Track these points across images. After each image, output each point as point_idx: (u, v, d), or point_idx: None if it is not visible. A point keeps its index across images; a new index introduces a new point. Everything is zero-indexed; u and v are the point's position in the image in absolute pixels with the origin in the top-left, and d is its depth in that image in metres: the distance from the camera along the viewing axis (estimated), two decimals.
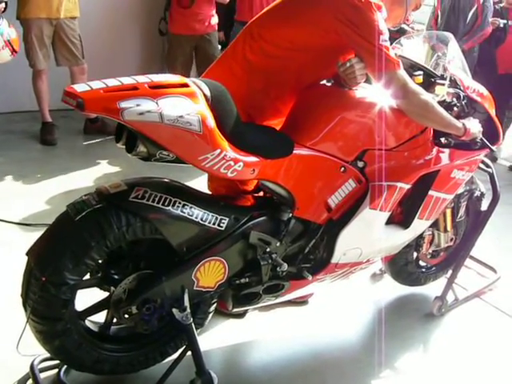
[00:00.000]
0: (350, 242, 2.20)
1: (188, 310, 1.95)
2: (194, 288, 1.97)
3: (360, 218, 2.17)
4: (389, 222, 2.31)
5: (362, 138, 2.15)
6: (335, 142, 2.12)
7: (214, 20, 4.82)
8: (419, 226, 2.39)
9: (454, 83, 2.41)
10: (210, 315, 2.17)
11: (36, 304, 1.79)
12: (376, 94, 2.16)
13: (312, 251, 2.21)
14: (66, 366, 2.05)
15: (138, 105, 1.64)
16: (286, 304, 2.60)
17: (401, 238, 2.39)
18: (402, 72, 2.07)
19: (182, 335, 2.05)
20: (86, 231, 1.79)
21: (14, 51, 3.72)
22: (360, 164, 2.19)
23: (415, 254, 2.72)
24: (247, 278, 2.07)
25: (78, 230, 1.79)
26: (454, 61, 2.37)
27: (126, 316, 1.92)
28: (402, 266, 2.70)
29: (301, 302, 2.68)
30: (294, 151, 2.02)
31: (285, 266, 2.08)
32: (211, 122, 1.75)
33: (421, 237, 2.64)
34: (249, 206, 2.13)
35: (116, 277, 1.95)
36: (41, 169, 4.09)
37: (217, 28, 4.89)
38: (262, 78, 2.15)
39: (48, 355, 2.01)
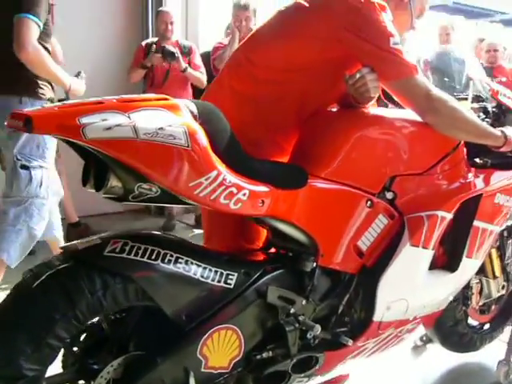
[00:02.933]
0: (393, 292, 1.74)
1: None
2: (202, 370, 1.47)
3: (401, 259, 1.72)
4: (432, 267, 1.86)
5: (386, 163, 1.75)
6: (355, 170, 1.71)
7: None
8: (469, 266, 1.94)
9: (476, 99, 2.07)
10: None
11: None
12: (395, 111, 1.81)
13: (348, 310, 1.73)
14: None
15: (104, 120, 1.24)
16: None
17: (450, 284, 1.93)
18: (421, 77, 1.71)
19: None
20: (47, 301, 1.31)
21: None
22: (389, 195, 1.77)
23: (464, 310, 2.23)
24: (270, 352, 1.57)
25: (36, 300, 1.31)
26: (475, 69, 2.05)
27: None
28: (452, 327, 2.20)
29: None
30: (309, 182, 1.61)
31: (317, 329, 1.59)
32: (202, 137, 1.34)
33: (468, 287, 2.18)
34: (261, 261, 1.69)
35: (96, 367, 1.44)
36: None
37: None
38: (254, 108, 1.78)
39: None
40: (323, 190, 1.65)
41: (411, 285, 1.78)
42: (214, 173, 1.35)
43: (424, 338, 2.50)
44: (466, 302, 2.22)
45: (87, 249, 1.41)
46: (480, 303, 2.27)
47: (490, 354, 2.34)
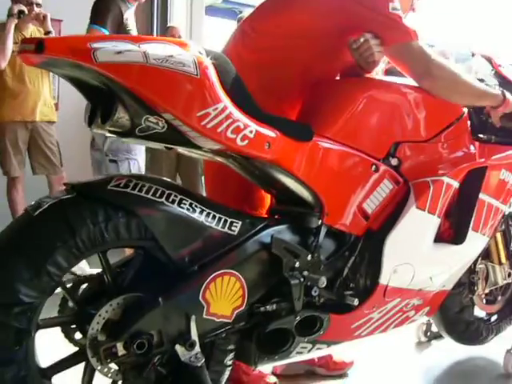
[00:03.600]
0: (399, 254, 1.70)
1: (197, 347, 1.37)
2: (204, 315, 1.41)
3: (407, 220, 1.70)
4: (438, 241, 1.83)
5: (390, 128, 1.75)
6: (360, 134, 1.71)
7: None
8: (475, 240, 1.90)
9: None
10: (228, 370, 1.57)
11: None
12: (400, 79, 1.82)
13: (353, 273, 1.68)
14: None
15: (114, 46, 1.24)
16: (324, 379, 2.00)
17: (456, 258, 1.89)
18: (420, 43, 1.73)
19: None
20: (48, 227, 1.27)
21: None
22: (394, 161, 1.76)
23: (470, 297, 2.18)
24: (274, 305, 1.52)
25: (37, 226, 1.27)
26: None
27: (109, 361, 1.33)
28: (457, 314, 2.14)
29: (340, 374, 2.06)
30: (315, 139, 1.60)
31: (323, 281, 1.55)
32: (211, 69, 1.34)
33: (473, 272, 2.14)
34: (265, 216, 1.66)
35: (94, 312, 1.37)
36: None
37: None
38: (258, 75, 1.77)
39: None
40: (329, 150, 1.64)
41: (417, 250, 1.75)
42: (222, 104, 1.34)
43: (428, 334, 2.44)
44: (472, 288, 2.16)
45: (91, 183, 1.38)
46: (486, 290, 2.21)
47: (496, 348, 2.26)
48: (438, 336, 2.44)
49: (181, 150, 1.56)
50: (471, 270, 2.12)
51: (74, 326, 1.45)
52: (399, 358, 2.32)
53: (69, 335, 1.46)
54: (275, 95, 1.79)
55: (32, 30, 3.91)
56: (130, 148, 2.95)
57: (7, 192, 3.95)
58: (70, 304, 1.44)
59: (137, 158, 3.00)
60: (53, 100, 4.15)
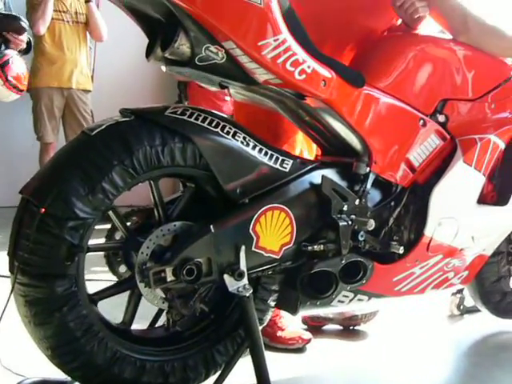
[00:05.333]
0: (444, 207, 1.69)
1: (246, 278, 1.37)
2: (253, 248, 1.41)
3: (454, 173, 1.69)
4: (481, 202, 1.82)
5: (438, 84, 1.75)
6: (410, 88, 1.71)
7: None
8: None
9: None
10: (271, 312, 1.56)
11: (28, 253, 1.22)
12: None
13: (399, 224, 1.68)
14: None
15: None
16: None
17: (498, 220, 1.87)
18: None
19: (237, 332, 1.45)
20: (106, 145, 1.28)
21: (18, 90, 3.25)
22: (441, 118, 1.76)
23: (508, 268, 2.16)
24: (321, 246, 1.51)
25: (95, 144, 1.28)
26: None
27: (157, 286, 1.33)
28: (494, 284, 2.12)
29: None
30: (366, 87, 1.60)
31: (371, 223, 1.54)
32: (275, 3, 1.35)
33: None
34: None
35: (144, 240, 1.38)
36: None
37: None
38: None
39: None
40: (379, 99, 1.65)
41: (462, 205, 1.73)
42: (282, 36, 1.35)
43: (461, 308, 2.41)
44: (510, 259, 2.14)
45: (148, 108, 1.39)
46: None
47: None
48: (470, 310, 2.41)
49: (233, 90, 1.56)
50: (510, 240, 2.11)
51: (119, 259, 1.47)
52: (430, 331, 2.30)
53: (113, 267, 1.47)
54: (323, 48, 1.79)
55: (71, 0, 3.95)
56: None
57: (39, 158, 3.99)
58: (118, 235, 1.45)
59: None
60: (89, 71, 4.19)
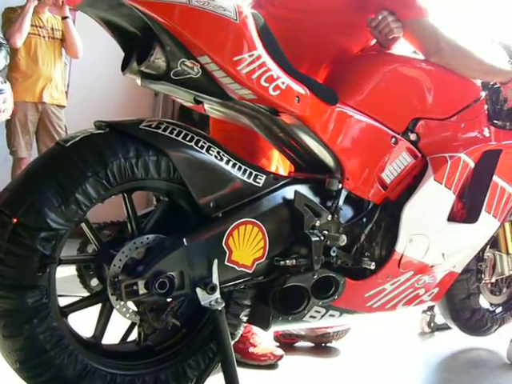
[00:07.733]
0: (415, 223, 1.72)
1: (218, 292, 1.37)
2: (226, 262, 1.41)
3: (425, 191, 1.73)
4: (451, 220, 1.86)
5: (410, 103, 1.80)
6: (382, 106, 1.75)
7: None
8: (487, 222, 1.92)
9: None
10: (242, 327, 1.56)
11: None
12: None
13: (370, 241, 1.70)
14: None
15: None
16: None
17: (468, 237, 1.90)
18: (430, 20, 1.79)
19: (209, 347, 1.44)
20: (80, 157, 1.28)
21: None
22: (412, 136, 1.80)
23: (477, 285, 2.19)
24: (294, 261, 1.52)
25: (69, 155, 1.28)
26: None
27: (128, 299, 1.32)
28: (464, 300, 2.15)
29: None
30: (339, 105, 1.63)
31: (343, 239, 1.56)
32: (250, 17, 1.37)
33: (481, 260, 2.15)
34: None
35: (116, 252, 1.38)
36: None
37: None
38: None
39: None
40: (352, 117, 1.67)
41: (433, 222, 1.77)
42: (257, 52, 1.37)
43: (432, 325, 2.44)
44: (479, 276, 2.17)
45: (123, 121, 1.40)
46: (493, 279, 2.22)
47: (499, 341, 2.27)
48: (441, 328, 2.44)
49: (207, 106, 1.58)
50: (479, 258, 2.14)
51: (91, 273, 1.46)
52: (401, 348, 2.32)
53: (85, 281, 1.46)
54: (298, 66, 1.83)
55: (48, 16, 3.96)
56: None
57: (12, 173, 3.95)
58: (90, 248, 1.44)
59: None
60: (64, 86, 4.18)
